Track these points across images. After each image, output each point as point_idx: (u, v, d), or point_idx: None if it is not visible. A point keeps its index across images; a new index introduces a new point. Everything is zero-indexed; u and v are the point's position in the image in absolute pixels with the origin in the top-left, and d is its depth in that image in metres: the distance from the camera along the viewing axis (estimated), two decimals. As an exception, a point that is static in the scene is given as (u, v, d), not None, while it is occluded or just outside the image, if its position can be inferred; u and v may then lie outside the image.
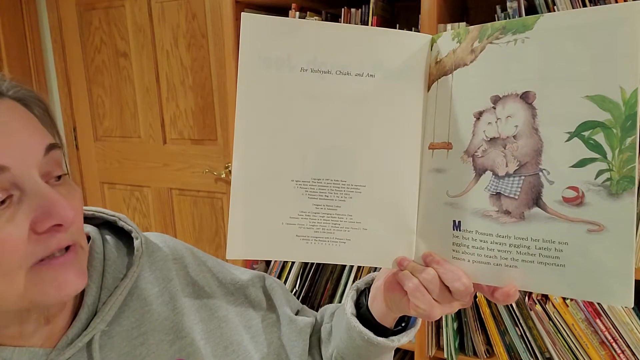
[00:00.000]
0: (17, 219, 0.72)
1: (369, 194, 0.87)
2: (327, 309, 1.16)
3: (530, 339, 2.07)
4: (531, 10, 1.95)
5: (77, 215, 0.80)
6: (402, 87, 0.87)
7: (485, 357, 2.27)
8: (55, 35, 3.74)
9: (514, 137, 0.81)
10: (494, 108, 0.83)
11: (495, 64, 0.81)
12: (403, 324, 1.01)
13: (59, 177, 0.79)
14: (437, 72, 0.86)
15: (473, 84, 0.83)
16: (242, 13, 0.84)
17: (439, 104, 0.87)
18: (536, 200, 0.80)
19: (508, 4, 1.93)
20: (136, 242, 0.95)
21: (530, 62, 0.78)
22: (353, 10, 2.40)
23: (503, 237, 0.82)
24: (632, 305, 0.76)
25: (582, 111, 0.75)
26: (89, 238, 0.92)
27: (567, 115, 0.76)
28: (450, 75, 0.85)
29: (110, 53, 3.52)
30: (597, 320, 1.86)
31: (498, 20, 1.93)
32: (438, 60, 0.87)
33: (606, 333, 1.86)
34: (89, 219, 0.97)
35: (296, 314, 1.15)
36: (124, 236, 0.98)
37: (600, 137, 0.74)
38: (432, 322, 2.22)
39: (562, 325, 1.96)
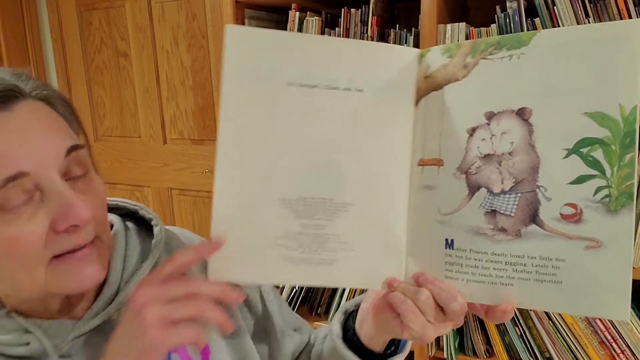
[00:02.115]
0: (38, 217, 0.76)
1: (357, 213, 0.83)
2: (321, 331, 1.14)
3: (529, 338, 2.06)
4: (531, 10, 1.92)
5: (99, 211, 0.84)
6: (390, 102, 0.84)
7: (485, 357, 2.27)
8: (55, 35, 3.73)
9: (510, 153, 0.80)
10: (488, 124, 0.81)
11: (490, 80, 0.79)
12: (393, 347, 0.98)
13: (81, 176, 0.82)
14: (426, 87, 0.84)
15: (466, 99, 0.81)
16: (226, 25, 0.81)
17: (429, 119, 0.84)
18: (533, 218, 0.78)
19: (508, 4, 1.92)
20: (156, 229, 0.99)
21: (526, 78, 0.77)
22: (353, 10, 2.38)
23: (499, 255, 0.80)
24: (628, 319, 0.78)
25: (580, 128, 0.74)
26: (112, 226, 0.96)
27: (565, 132, 0.75)
28: (441, 90, 0.83)
29: (111, 53, 3.50)
30: (597, 320, 1.85)
31: (498, 20, 1.90)
32: (427, 75, 0.84)
33: (606, 333, 1.86)
34: (113, 209, 1.01)
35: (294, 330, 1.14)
36: (144, 225, 1.02)
37: (599, 154, 0.73)
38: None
39: (561, 325, 1.94)
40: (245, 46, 0.81)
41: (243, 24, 2.57)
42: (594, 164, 0.73)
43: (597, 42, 0.72)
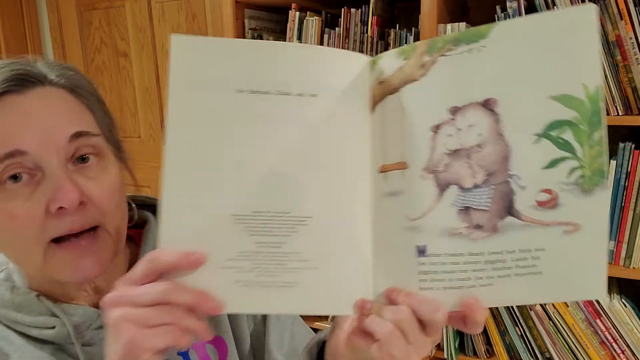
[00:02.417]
0: (35, 197, 0.80)
1: (317, 226, 0.77)
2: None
3: (530, 339, 2.03)
4: (531, 10, 1.85)
5: (104, 200, 0.85)
6: (345, 107, 0.80)
7: (485, 357, 2.25)
8: (55, 35, 3.72)
9: (479, 145, 0.77)
10: (453, 119, 0.78)
11: (451, 75, 0.77)
12: None
13: (92, 163, 0.85)
14: (381, 92, 0.81)
15: (426, 98, 0.78)
16: (171, 35, 0.76)
17: (388, 124, 0.81)
18: (509, 209, 0.76)
19: (508, 4, 1.85)
20: None
21: (489, 70, 0.75)
22: (353, 10, 2.36)
23: (476, 254, 0.77)
24: (605, 297, 0.79)
25: (548, 112, 0.74)
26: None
27: (533, 118, 0.74)
28: (399, 93, 0.80)
29: (111, 53, 3.49)
30: (597, 320, 1.82)
31: (498, 20, 1.85)
32: (381, 80, 0.80)
33: (606, 333, 1.83)
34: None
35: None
36: None
37: (568, 135, 0.73)
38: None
39: (562, 325, 1.91)
40: (191, 55, 0.76)
41: (243, 24, 2.56)
42: (565, 145, 0.73)
43: (556, 28, 0.73)
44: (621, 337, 1.83)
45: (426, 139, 0.78)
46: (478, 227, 0.77)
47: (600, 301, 1.79)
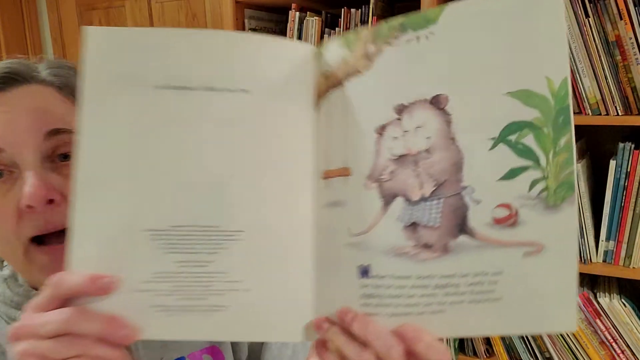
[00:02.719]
0: (10, 195, 0.79)
1: (249, 242, 0.68)
2: None
3: (530, 338, 1.97)
4: None
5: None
6: (284, 104, 0.71)
7: (485, 357, 2.20)
8: (55, 35, 3.78)
9: (427, 151, 0.68)
10: (399, 119, 0.69)
11: (396, 68, 0.68)
12: None
13: (67, 158, 0.82)
14: (326, 86, 0.71)
15: (371, 94, 0.70)
16: (84, 27, 0.69)
17: (332, 122, 0.72)
18: (462, 226, 0.67)
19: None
20: None
21: (438, 61, 0.67)
22: (353, 10, 2.35)
23: (425, 277, 0.68)
24: (576, 330, 0.70)
25: (505, 111, 0.65)
26: None
27: (488, 118, 0.66)
28: (342, 87, 0.71)
29: (111, 52, 3.39)
30: (597, 320, 1.78)
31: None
32: (326, 72, 0.72)
33: (606, 333, 1.79)
34: None
35: None
36: None
37: (529, 140, 0.64)
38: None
39: None
40: (106, 48, 0.68)
41: (243, 24, 2.54)
42: (526, 152, 0.64)
43: (515, 9, 0.64)
44: (621, 337, 1.78)
45: (370, 142, 0.69)
46: (426, 246, 0.68)
47: (600, 301, 1.75)
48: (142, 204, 0.66)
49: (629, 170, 1.73)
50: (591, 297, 1.79)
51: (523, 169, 0.65)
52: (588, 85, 1.71)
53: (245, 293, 0.68)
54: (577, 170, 1.66)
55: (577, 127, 1.89)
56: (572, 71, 1.68)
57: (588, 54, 1.69)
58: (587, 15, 1.67)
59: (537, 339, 1.97)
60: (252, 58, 0.70)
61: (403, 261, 0.68)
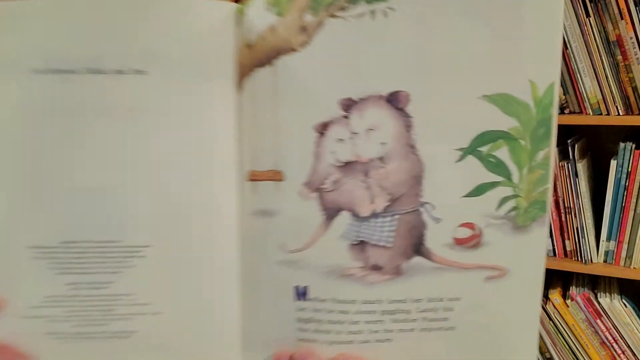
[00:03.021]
0: None
1: (159, 258, 0.55)
2: None
3: None
4: None
5: None
6: (195, 85, 0.53)
7: None
8: None
9: (381, 159, 0.54)
10: (347, 117, 0.53)
11: (343, 50, 0.52)
12: None
13: None
14: (250, 61, 0.53)
15: (309, 80, 0.53)
16: None
17: (258, 109, 0.54)
18: (417, 247, 0.55)
19: None
20: None
21: (398, 46, 0.52)
22: None
23: (372, 302, 0.56)
24: None
25: (478, 117, 0.52)
26: None
27: (457, 125, 0.52)
28: (272, 66, 0.53)
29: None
30: (598, 321, 1.72)
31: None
32: (250, 42, 0.53)
33: (607, 333, 1.73)
34: None
35: None
36: None
37: (503, 153, 0.53)
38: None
39: (562, 326, 1.79)
40: None
41: None
42: (498, 166, 0.53)
43: None
44: (622, 337, 1.71)
45: (308, 142, 0.54)
46: (376, 268, 0.56)
47: (601, 301, 1.69)
48: (23, 215, 0.54)
49: (629, 170, 1.64)
50: (592, 298, 1.72)
51: (492, 185, 0.54)
52: (589, 85, 1.61)
53: (155, 317, 0.55)
54: (579, 170, 1.59)
55: (577, 127, 1.72)
56: (572, 71, 1.58)
57: (589, 54, 1.58)
58: (587, 15, 1.58)
59: (538, 339, 1.82)
60: (147, 27, 0.53)
61: (347, 283, 0.56)
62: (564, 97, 1.61)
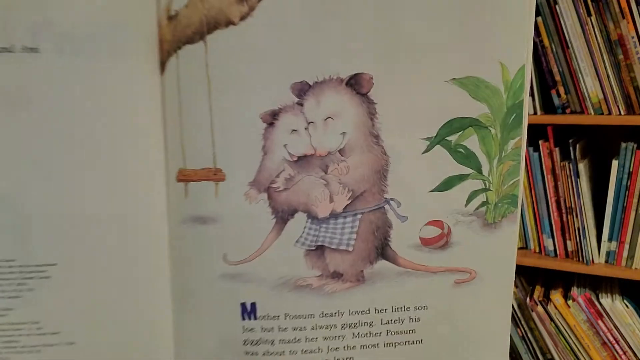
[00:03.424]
0: None
1: (67, 279, 0.45)
2: None
3: (531, 340, 1.82)
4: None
5: None
6: (102, 69, 0.42)
7: None
8: None
9: (342, 151, 0.46)
10: (300, 104, 0.44)
11: (294, 24, 0.43)
12: None
13: None
14: (173, 37, 0.43)
15: (252, 60, 0.43)
16: None
17: (188, 96, 0.44)
18: (381, 250, 0.48)
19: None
20: None
21: (358, 20, 0.43)
22: None
23: (332, 315, 0.48)
24: None
25: (445, 103, 0.45)
26: None
27: (423, 111, 0.45)
28: (202, 42, 0.42)
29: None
30: (599, 322, 1.67)
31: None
32: (172, 14, 0.42)
33: (608, 334, 1.67)
34: None
35: None
36: None
37: (472, 142, 0.46)
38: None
39: (563, 327, 1.72)
40: None
41: None
42: (467, 158, 0.47)
43: None
44: (623, 338, 1.65)
45: (254, 134, 0.45)
46: (335, 275, 0.48)
47: (602, 302, 1.65)
48: None
49: (631, 170, 1.60)
50: (593, 298, 1.67)
51: (461, 178, 0.47)
52: (590, 84, 1.56)
53: (67, 348, 0.45)
54: (580, 170, 1.54)
55: (579, 126, 1.62)
56: (574, 70, 1.54)
57: (590, 53, 1.53)
58: (589, 14, 1.53)
59: (539, 339, 1.83)
60: None
61: (303, 296, 0.48)
62: (565, 96, 1.62)
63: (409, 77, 0.45)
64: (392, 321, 0.49)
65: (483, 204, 0.48)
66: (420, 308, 0.49)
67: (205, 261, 0.47)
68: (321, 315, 0.48)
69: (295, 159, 0.45)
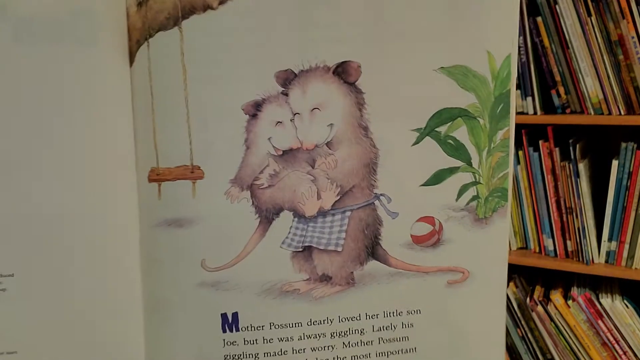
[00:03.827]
0: None
1: (26, 292, 0.39)
2: None
3: (531, 340, 1.78)
4: (532, 7, 1.63)
5: None
6: (62, 56, 0.37)
7: None
8: None
9: (329, 145, 0.42)
10: (285, 94, 0.41)
11: (277, 8, 0.39)
12: None
13: None
14: (144, 25, 0.39)
15: (232, 47, 0.39)
16: None
17: (160, 89, 0.39)
18: (372, 249, 0.44)
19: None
20: None
21: (346, 8, 0.40)
22: None
23: (320, 323, 0.43)
24: None
25: (434, 93, 0.42)
26: None
27: (412, 101, 0.42)
28: (177, 29, 0.38)
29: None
30: (599, 322, 1.64)
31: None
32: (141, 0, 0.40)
33: (608, 334, 1.65)
34: None
35: None
36: None
37: (462, 133, 0.44)
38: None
39: (564, 327, 1.69)
40: None
41: None
42: (457, 150, 0.44)
43: None
44: (623, 338, 1.62)
45: (236, 127, 0.41)
46: (324, 278, 0.43)
47: (602, 302, 1.63)
48: None
49: (631, 170, 1.59)
50: (593, 298, 1.66)
51: (452, 171, 0.45)
52: (590, 84, 1.55)
53: None
54: (580, 170, 1.53)
55: (579, 127, 1.59)
56: (574, 70, 1.54)
57: (590, 53, 1.53)
58: (589, 14, 1.51)
59: (539, 340, 1.80)
60: None
61: (290, 302, 0.43)
62: (565, 96, 1.65)
63: (397, 65, 0.43)
64: (384, 328, 0.45)
65: (474, 198, 0.46)
66: (413, 312, 0.46)
67: (182, 268, 0.43)
68: (309, 324, 0.44)
69: (280, 153, 0.42)
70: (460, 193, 0.45)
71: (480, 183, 0.46)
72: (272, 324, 0.43)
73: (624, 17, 1.46)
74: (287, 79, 0.41)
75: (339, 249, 0.44)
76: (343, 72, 0.41)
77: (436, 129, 0.44)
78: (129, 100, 0.40)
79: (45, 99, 0.39)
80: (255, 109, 0.41)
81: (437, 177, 0.45)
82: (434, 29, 0.43)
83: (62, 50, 0.39)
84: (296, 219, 0.43)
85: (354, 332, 0.45)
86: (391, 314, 0.46)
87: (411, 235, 0.45)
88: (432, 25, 0.43)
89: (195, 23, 0.39)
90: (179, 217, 0.42)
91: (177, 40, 0.39)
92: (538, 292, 1.63)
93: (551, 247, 1.58)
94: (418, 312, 0.46)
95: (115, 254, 0.42)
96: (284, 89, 0.41)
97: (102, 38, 0.39)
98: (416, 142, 0.44)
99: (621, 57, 1.47)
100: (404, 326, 0.46)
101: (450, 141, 0.44)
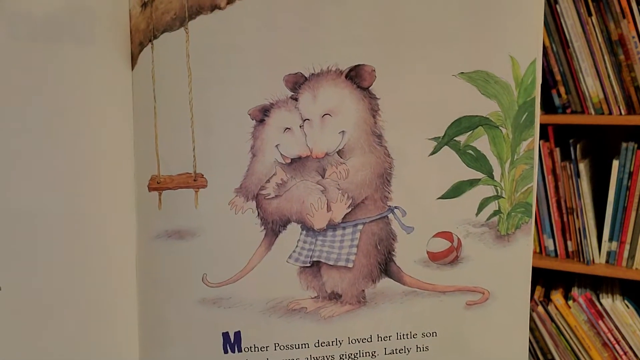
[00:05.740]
0: None
1: (13, 305, 0.36)
2: None
3: (532, 340, 1.78)
4: None
5: None
6: (60, 55, 0.35)
7: None
8: None
9: (340, 153, 0.39)
10: (295, 99, 0.38)
11: (288, 9, 0.37)
12: None
13: None
14: (148, 26, 0.37)
15: (239, 49, 0.37)
16: None
17: (163, 92, 0.38)
18: (385, 266, 0.41)
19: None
20: None
21: (360, 9, 0.37)
22: None
23: (328, 345, 0.41)
24: None
25: (454, 100, 0.40)
26: None
27: (430, 108, 0.40)
28: (183, 30, 0.37)
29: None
30: (600, 322, 1.61)
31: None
32: (146, 0, 0.39)
33: (609, 335, 1.61)
34: None
35: None
36: None
37: (483, 143, 0.41)
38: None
39: (564, 327, 1.66)
40: None
41: None
42: (477, 160, 0.41)
43: None
44: (624, 338, 1.62)
45: (241, 134, 0.39)
46: (334, 296, 0.41)
47: (603, 302, 1.60)
48: None
49: (632, 170, 1.57)
50: (594, 299, 1.65)
51: (472, 183, 0.42)
52: (591, 84, 1.54)
53: None
54: (580, 170, 1.53)
55: (579, 126, 1.58)
56: (574, 70, 1.54)
57: (591, 53, 1.52)
58: (590, 14, 1.48)
59: (540, 340, 1.77)
60: None
61: (296, 321, 0.41)
62: (566, 96, 1.68)
63: (414, 69, 0.42)
64: (397, 351, 0.43)
65: (495, 213, 0.44)
66: (428, 335, 0.44)
67: (181, 283, 0.41)
68: (317, 345, 0.42)
69: (289, 161, 0.41)
70: (480, 207, 0.44)
71: (503, 197, 0.44)
72: (277, 345, 0.42)
73: (624, 17, 1.47)
74: (297, 82, 0.39)
75: (350, 265, 0.42)
76: (356, 76, 0.40)
77: (455, 138, 0.42)
78: (130, 103, 0.39)
79: (40, 98, 0.37)
80: (262, 114, 0.40)
81: (456, 190, 0.43)
82: (454, 31, 0.42)
83: (59, 47, 0.37)
84: (304, 232, 0.42)
85: (364, 354, 0.43)
86: (405, 336, 0.44)
87: (427, 252, 0.44)
88: (451, 27, 0.42)
89: (202, 23, 0.38)
90: (179, 228, 0.40)
91: (183, 41, 0.39)
92: (539, 292, 1.68)
93: (552, 247, 1.60)
94: (434, 334, 0.44)
95: (110, 268, 0.40)
96: (293, 93, 0.40)
97: (102, 37, 0.38)
98: (434, 152, 0.42)
99: (622, 56, 1.48)
100: (418, 349, 0.44)
101: (470, 151, 0.43)
